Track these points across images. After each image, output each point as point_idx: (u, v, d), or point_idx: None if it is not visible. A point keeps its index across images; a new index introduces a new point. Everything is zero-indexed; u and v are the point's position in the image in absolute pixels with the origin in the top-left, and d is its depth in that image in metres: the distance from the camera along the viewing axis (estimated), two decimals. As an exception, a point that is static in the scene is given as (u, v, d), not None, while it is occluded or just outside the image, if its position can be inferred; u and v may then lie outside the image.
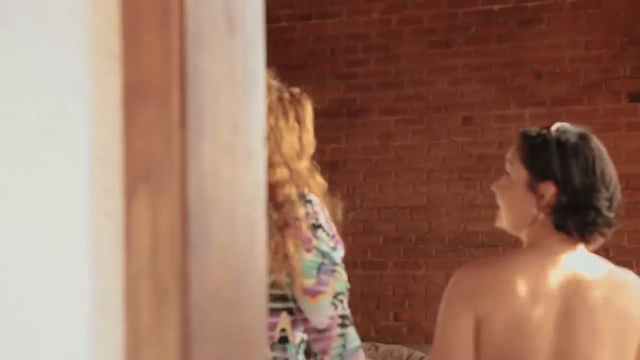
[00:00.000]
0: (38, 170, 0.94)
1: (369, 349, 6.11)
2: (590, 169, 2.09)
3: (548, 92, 6.03)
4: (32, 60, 0.94)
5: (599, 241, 2.11)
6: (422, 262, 6.21)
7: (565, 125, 2.18)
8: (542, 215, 2.08)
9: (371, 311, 6.32)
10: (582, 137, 2.16)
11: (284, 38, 6.52)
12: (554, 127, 2.14)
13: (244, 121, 0.99)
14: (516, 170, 2.20)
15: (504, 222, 2.20)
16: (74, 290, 0.94)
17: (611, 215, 2.13)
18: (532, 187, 2.10)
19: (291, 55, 6.52)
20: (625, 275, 2.11)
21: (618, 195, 2.19)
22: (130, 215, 0.92)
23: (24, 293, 0.93)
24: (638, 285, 2.09)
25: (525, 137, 2.20)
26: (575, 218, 2.06)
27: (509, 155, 2.27)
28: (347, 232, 6.36)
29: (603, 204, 2.09)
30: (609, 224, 2.12)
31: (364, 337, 6.35)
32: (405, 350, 6.00)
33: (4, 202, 0.93)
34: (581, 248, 2.10)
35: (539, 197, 2.08)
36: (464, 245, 6.01)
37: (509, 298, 1.96)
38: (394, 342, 6.23)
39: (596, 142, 2.18)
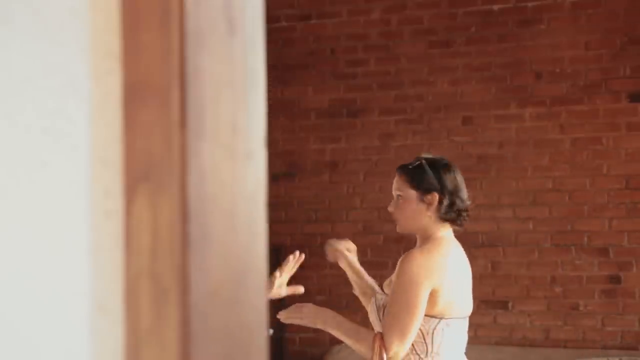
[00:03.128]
0: (38, 170, 0.94)
1: (369, 349, 6.11)
2: (452, 180, 3.12)
3: (548, 92, 6.03)
4: (32, 60, 0.94)
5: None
6: (422, 262, 6.21)
7: (429, 155, 3.22)
8: (433, 216, 3.10)
9: (371, 311, 6.33)
10: (441, 160, 3.17)
11: (284, 38, 6.52)
12: (422, 157, 3.17)
13: (244, 121, 0.99)
14: (406, 192, 3.13)
15: (404, 228, 3.20)
16: (74, 290, 0.94)
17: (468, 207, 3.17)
18: (422, 199, 3.10)
19: (291, 55, 6.52)
20: None
21: (466, 195, 3.18)
22: (130, 215, 0.92)
23: (24, 293, 0.93)
24: None
25: (404, 168, 3.17)
26: (453, 211, 3.11)
27: (395, 185, 3.18)
28: (347, 232, 6.38)
29: (465, 198, 3.14)
30: (467, 213, 3.17)
31: (364, 337, 6.35)
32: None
33: (4, 202, 0.93)
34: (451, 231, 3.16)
35: (428, 204, 3.10)
36: (464, 245, 5.99)
37: (446, 273, 3.01)
38: (394, 342, 6.23)
39: (446, 160, 3.20)
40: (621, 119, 5.90)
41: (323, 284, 6.42)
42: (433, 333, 3.02)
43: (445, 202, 3.07)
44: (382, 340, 3.03)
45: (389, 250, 6.32)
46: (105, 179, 0.94)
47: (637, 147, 5.86)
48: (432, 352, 3.03)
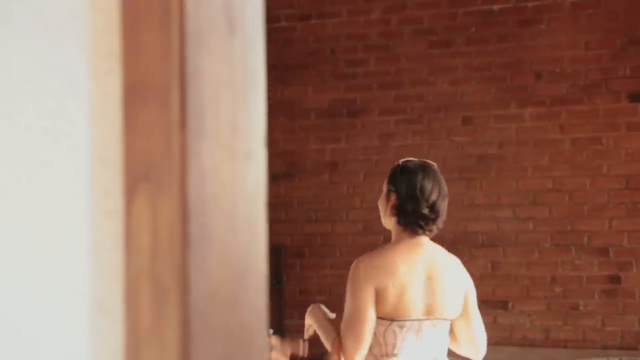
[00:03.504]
0: (38, 170, 0.94)
1: (369, 349, 6.12)
2: (411, 185, 3.16)
3: (548, 92, 6.03)
4: (32, 60, 0.94)
5: (432, 233, 3.21)
6: (422, 262, 6.21)
7: (413, 159, 3.29)
8: (391, 217, 3.25)
9: (371, 311, 6.33)
10: (419, 167, 3.22)
11: (284, 38, 6.53)
12: (402, 160, 3.29)
13: (244, 121, 0.99)
14: (384, 187, 3.29)
15: (383, 221, 3.35)
16: (74, 290, 0.94)
17: (432, 216, 3.15)
18: (387, 197, 3.25)
19: (291, 55, 6.52)
20: (451, 256, 3.26)
21: (439, 203, 3.16)
22: (130, 215, 0.92)
23: (24, 293, 0.93)
24: (458, 260, 3.26)
25: (392, 166, 3.31)
26: (403, 217, 3.19)
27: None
28: (347, 232, 6.38)
29: (423, 208, 3.14)
30: (431, 222, 3.16)
31: (364, 337, 6.36)
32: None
33: (4, 202, 0.93)
34: (424, 237, 3.20)
35: (388, 202, 3.24)
36: (464, 245, 6.01)
37: (392, 275, 3.09)
38: (394, 342, 6.24)
39: (430, 169, 3.22)
40: (621, 119, 5.90)
41: (323, 284, 6.42)
42: (385, 335, 3.11)
43: (399, 205, 3.18)
44: (340, 345, 3.18)
45: (389, 250, 6.32)
46: (105, 179, 0.94)
47: (637, 147, 5.86)
48: (386, 353, 3.13)
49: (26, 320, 0.93)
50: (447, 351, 3.24)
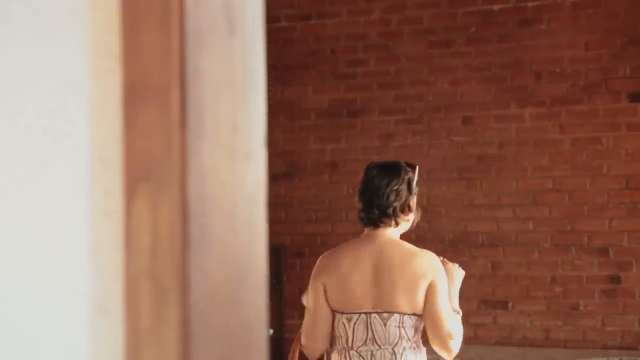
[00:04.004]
0: (38, 170, 0.94)
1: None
2: (364, 185, 3.32)
3: (548, 92, 6.02)
4: (32, 60, 0.94)
5: (383, 225, 3.28)
6: (422, 262, 6.21)
7: (380, 160, 3.54)
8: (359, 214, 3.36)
9: (371, 311, 6.33)
10: (379, 164, 3.40)
11: (284, 38, 6.53)
12: (377, 161, 3.48)
13: (244, 121, 0.99)
14: None
15: None
16: (74, 290, 0.94)
17: (384, 207, 3.26)
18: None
19: (291, 55, 6.52)
20: (420, 250, 3.28)
21: (392, 196, 3.28)
22: (130, 215, 0.92)
23: (24, 293, 0.93)
24: (427, 257, 3.25)
25: None
26: (362, 212, 3.32)
27: None
28: (347, 232, 6.38)
29: (375, 201, 3.27)
30: (383, 214, 3.27)
31: (364, 337, 6.36)
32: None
33: (4, 202, 0.93)
34: (385, 233, 3.30)
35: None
36: (464, 245, 6.01)
37: (337, 270, 3.26)
38: (394, 342, 6.24)
39: (390, 166, 3.36)
40: (621, 119, 5.90)
41: (323, 284, 6.42)
42: (337, 327, 3.29)
43: (359, 205, 3.36)
44: (298, 341, 3.46)
45: (389, 250, 6.32)
46: (105, 179, 0.94)
47: (637, 147, 5.86)
48: (344, 345, 3.29)
49: (26, 320, 0.93)
50: (413, 345, 3.26)
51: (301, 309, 6.49)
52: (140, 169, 0.92)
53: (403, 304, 3.21)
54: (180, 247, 0.89)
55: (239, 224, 0.98)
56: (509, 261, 6.02)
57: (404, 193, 3.30)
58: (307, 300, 3.39)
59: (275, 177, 6.42)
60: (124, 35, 0.92)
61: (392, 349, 3.21)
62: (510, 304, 6.02)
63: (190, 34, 0.91)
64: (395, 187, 3.28)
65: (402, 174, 3.32)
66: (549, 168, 6.00)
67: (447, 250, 6.13)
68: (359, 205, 3.32)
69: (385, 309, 3.21)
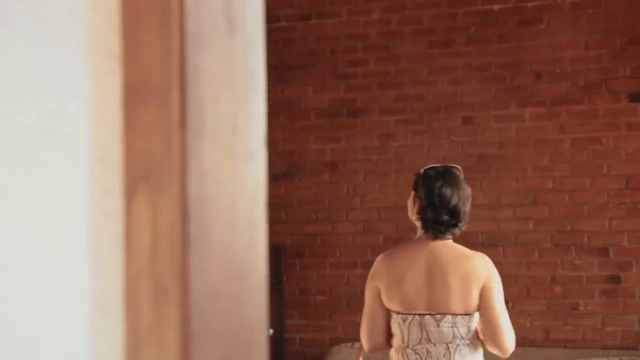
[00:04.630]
0: (38, 170, 0.94)
1: (369, 349, 6.11)
2: (432, 193, 3.40)
3: (548, 92, 6.03)
4: (32, 60, 0.94)
5: (449, 236, 3.44)
6: (422, 262, 6.21)
7: (436, 165, 3.54)
8: (416, 219, 3.46)
9: (371, 311, 6.33)
10: (442, 174, 3.45)
11: (284, 38, 6.52)
12: (426, 167, 3.52)
13: (244, 121, 0.99)
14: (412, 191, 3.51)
15: None
16: (74, 290, 0.94)
17: (452, 221, 3.40)
18: (414, 201, 3.46)
19: (291, 55, 6.52)
20: (473, 252, 3.44)
21: (462, 210, 3.42)
22: (130, 215, 0.92)
23: (24, 293, 0.93)
24: (480, 259, 3.41)
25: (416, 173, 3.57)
26: (426, 223, 3.42)
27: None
28: (347, 232, 6.38)
29: (443, 216, 3.38)
30: (452, 227, 3.42)
31: (364, 337, 6.36)
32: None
33: (4, 202, 0.93)
34: (441, 241, 3.43)
35: (413, 207, 3.46)
36: (464, 245, 6.00)
37: (392, 272, 3.37)
38: (394, 342, 6.24)
39: (451, 175, 3.46)
40: (621, 119, 5.90)
41: (323, 284, 6.42)
42: (394, 327, 3.43)
43: (422, 210, 3.43)
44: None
45: (389, 250, 6.32)
46: (105, 179, 0.94)
47: (637, 147, 5.86)
48: (400, 343, 3.41)
49: (26, 320, 0.93)
50: (467, 342, 3.36)
51: (301, 309, 6.50)
52: (140, 169, 0.92)
53: (456, 305, 3.33)
54: (180, 247, 0.89)
55: (239, 224, 0.98)
56: (509, 261, 6.02)
57: (468, 203, 3.45)
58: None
59: (275, 177, 6.42)
60: (124, 35, 0.93)
61: (447, 345, 3.33)
62: (510, 304, 6.02)
63: (190, 34, 0.91)
64: (461, 199, 3.40)
65: (463, 184, 3.46)
66: (549, 168, 6.00)
67: (447, 250, 6.14)
68: (427, 216, 3.40)
69: (438, 311, 3.33)
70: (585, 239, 5.94)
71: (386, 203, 6.33)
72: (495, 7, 6.12)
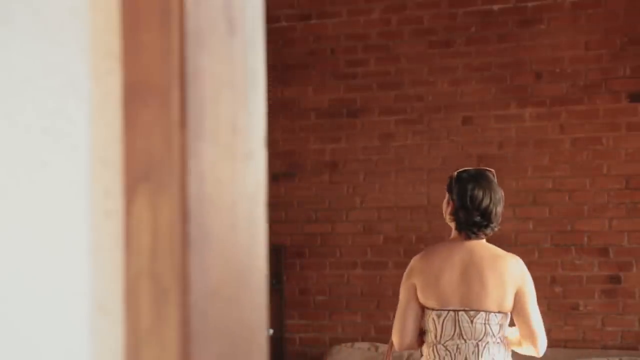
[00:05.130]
0: (38, 170, 0.94)
1: (368, 349, 6.11)
2: (464, 196, 3.54)
3: (548, 92, 6.03)
4: (32, 60, 0.94)
5: (482, 236, 3.58)
6: (422, 262, 6.21)
7: (469, 169, 3.70)
8: (450, 220, 3.60)
9: (371, 311, 6.33)
10: (474, 178, 3.59)
11: (284, 38, 6.53)
12: (459, 170, 3.68)
13: (244, 121, 0.99)
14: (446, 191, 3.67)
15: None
16: (74, 290, 0.94)
17: (484, 222, 3.55)
18: (448, 203, 3.62)
19: (291, 55, 6.52)
20: (507, 253, 3.58)
21: (493, 210, 3.56)
22: (130, 215, 0.92)
23: (24, 293, 0.93)
24: (515, 261, 3.55)
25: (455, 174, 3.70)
26: (459, 224, 3.57)
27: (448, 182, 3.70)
28: (347, 232, 6.38)
29: (475, 217, 3.53)
30: (484, 228, 3.56)
31: (364, 337, 6.35)
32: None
33: (4, 202, 0.93)
34: (475, 240, 3.57)
35: (447, 207, 3.61)
36: (464, 245, 6.01)
37: (429, 269, 3.52)
38: (394, 342, 6.24)
39: (483, 178, 3.60)
40: (621, 119, 5.90)
41: (323, 284, 6.42)
42: (428, 323, 3.55)
43: (455, 212, 3.57)
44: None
45: (388, 250, 6.32)
46: (105, 179, 0.94)
47: (637, 147, 5.86)
48: (433, 339, 3.54)
49: (26, 320, 0.93)
50: (498, 340, 3.52)
51: (301, 309, 6.50)
52: (140, 169, 0.92)
53: (490, 303, 3.47)
54: (180, 247, 0.89)
55: (239, 224, 0.98)
56: (509, 261, 6.01)
57: (500, 205, 3.59)
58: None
59: (275, 177, 6.42)
60: (124, 35, 0.93)
61: (477, 342, 3.48)
62: (510, 304, 6.02)
63: (190, 34, 0.91)
64: (492, 201, 3.55)
65: (495, 186, 3.60)
66: (549, 168, 6.00)
67: (447, 250, 6.14)
68: (459, 218, 3.55)
69: (472, 307, 3.47)
70: (585, 239, 5.94)
71: (386, 203, 6.33)
72: (495, 7, 6.12)
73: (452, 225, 3.59)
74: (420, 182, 6.28)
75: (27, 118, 0.94)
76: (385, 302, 6.30)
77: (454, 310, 3.48)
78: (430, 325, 3.53)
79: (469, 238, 3.55)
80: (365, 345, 6.15)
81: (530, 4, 6.06)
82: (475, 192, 3.53)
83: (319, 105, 6.49)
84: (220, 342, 0.94)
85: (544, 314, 6.05)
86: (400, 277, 6.40)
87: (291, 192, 6.49)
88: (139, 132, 0.92)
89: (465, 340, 3.48)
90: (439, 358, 3.51)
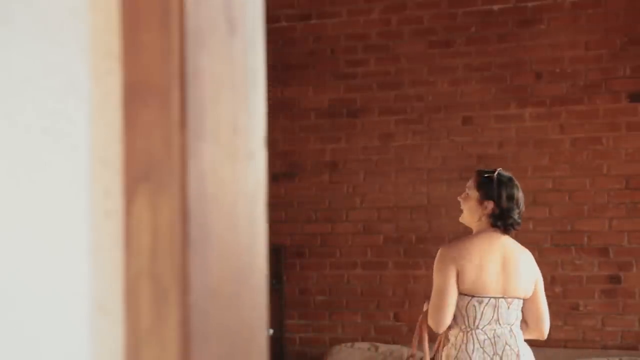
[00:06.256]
0: (38, 170, 0.94)
1: (369, 349, 6.11)
2: (510, 197, 3.86)
3: (548, 92, 6.02)
4: (32, 60, 0.94)
5: (514, 232, 3.93)
6: (422, 262, 6.21)
7: (501, 171, 3.97)
8: (484, 218, 3.88)
9: (371, 311, 6.33)
10: (509, 179, 3.91)
11: (284, 38, 6.52)
12: (500, 171, 3.95)
13: (244, 121, 0.99)
14: (472, 192, 3.92)
15: (464, 219, 4.01)
16: (74, 290, 0.94)
17: (519, 220, 3.92)
18: (480, 203, 3.89)
19: (291, 55, 6.52)
20: (526, 249, 3.99)
21: (523, 209, 3.94)
22: (130, 215, 0.92)
23: (24, 293, 0.93)
24: (531, 254, 4.00)
25: (480, 173, 3.97)
26: (502, 221, 3.87)
27: (468, 183, 3.98)
28: (347, 232, 6.38)
29: (515, 215, 3.87)
30: (518, 225, 3.92)
31: (364, 337, 6.35)
32: (405, 350, 6.00)
33: (4, 202, 0.93)
34: (505, 235, 3.91)
35: (484, 208, 3.89)
36: (464, 245, 6.00)
37: (471, 259, 3.79)
38: (394, 342, 6.23)
39: (515, 181, 3.94)
40: (621, 119, 5.90)
41: (323, 284, 6.42)
42: (467, 308, 3.79)
43: (497, 212, 3.84)
44: (425, 317, 3.88)
45: (389, 250, 6.32)
46: (105, 179, 0.94)
47: (637, 147, 5.86)
48: (469, 324, 3.79)
49: (26, 320, 0.93)
50: (519, 324, 3.89)
51: (301, 309, 6.50)
52: (140, 169, 0.92)
53: (521, 291, 3.84)
54: (180, 247, 0.89)
55: (239, 224, 0.98)
56: (509, 261, 6.01)
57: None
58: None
59: (275, 177, 6.42)
60: (124, 35, 0.92)
61: (510, 327, 3.84)
62: (510, 304, 6.02)
63: (190, 34, 0.91)
64: (522, 201, 3.93)
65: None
66: (549, 168, 6.00)
67: (447, 250, 6.13)
68: (502, 216, 3.85)
69: (510, 295, 3.82)
70: (585, 239, 5.94)
71: (386, 203, 6.33)
72: (495, 7, 6.12)
73: (484, 222, 3.87)
74: (420, 182, 6.28)
75: (27, 118, 0.94)
76: (385, 302, 6.31)
77: (495, 298, 3.79)
78: (470, 311, 3.79)
79: (505, 234, 3.88)
80: (365, 345, 6.15)
81: (530, 4, 6.06)
82: (518, 193, 3.90)
83: (319, 105, 6.49)
84: (220, 342, 0.94)
85: (544, 314, 6.07)
86: (400, 277, 6.43)
87: (291, 192, 6.49)
88: (139, 132, 0.92)
89: (500, 325, 3.81)
90: (478, 342, 3.79)
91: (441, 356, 3.85)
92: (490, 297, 3.81)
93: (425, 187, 6.27)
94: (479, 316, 3.80)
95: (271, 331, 6.20)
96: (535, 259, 6.05)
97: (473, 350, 3.80)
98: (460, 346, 3.81)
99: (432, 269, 3.89)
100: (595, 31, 5.94)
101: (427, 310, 3.85)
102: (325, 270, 6.42)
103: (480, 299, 3.79)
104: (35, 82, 0.94)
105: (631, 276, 5.86)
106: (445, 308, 3.78)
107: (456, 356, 3.81)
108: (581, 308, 5.94)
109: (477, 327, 3.80)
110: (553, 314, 6.07)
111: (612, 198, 5.90)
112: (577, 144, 5.96)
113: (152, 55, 0.91)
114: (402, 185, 6.31)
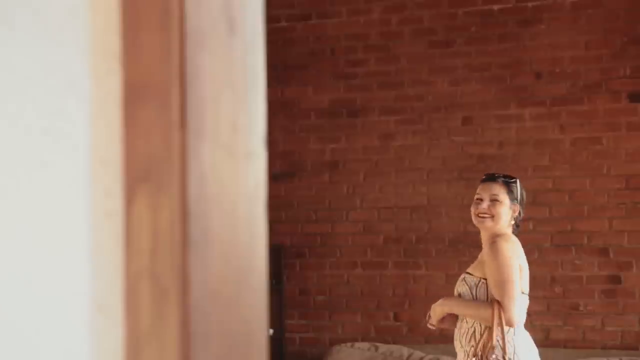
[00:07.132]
0: (38, 170, 0.94)
1: (368, 349, 6.11)
2: (524, 199, 4.02)
3: (548, 92, 6.02)
4: (32, 60, 0.94)
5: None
6: (422, 262, 6.21)
7: (511, 176, 4.09)
8: (509, 222, 3.98)
9: (371, 311, 6.33)
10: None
11: (284, 38, 6.52)
12: (514, 177, 4.07)
13: (244, 121, 0.99)
14: (503, 198, 3.98)
15: (494, 225, 3.97)
16: (74, 290, 0.94)
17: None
18: (510, 207, 3.97)
19: (291, 55, 6.52)
20: None
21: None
22: (130, 215, 0.92)
23: (24, 293, 0.93)
24: None
25: (503, 179, 4.03)
26: (518, 221, 4.00)
27: (491, 189, 4.01)
28: (347, 232, 6.38)
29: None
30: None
31: (364, 337, 6.35)
32: (405, 350, 6.00)
33: (4, 202, 0.93)
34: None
35: (512, 212, 3.97)
36: (464, 245, 6.01)
37: (524, 259, 3.93)
38: (394, 342, 6.23)
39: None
40: (621, 119, 5.90)
41: (323, 284, 6.42)
42: (524, 306, 3.93)
43: (517, 213, 3.98)
44: (500, 305, 3.79)
45: (389, 250, 6.32)
46: (105, 179, 0.94)
47: (637, 147, 5.86)
48: (524, 322, 3.93)
49: (26, 320, 0.93)
50: None
51: (301, 309, 6.50)
52: (140, 169, 0.92)
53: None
54: (180, 247, 0.89)
55: (239, 223, 0.98)
56: (509, 261, 6.01)
57: None
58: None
59: (275, 177, 6.42)
60: (124, 36, 0.93)
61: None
62: (510, 304, 6.01)
63: (190, 34, 0.91)
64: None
65: None
66: (549, 168, 6.00)
67: (447, 250, 6.13)
68: (521, 220, 4.04)
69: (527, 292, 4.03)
70: (585, 239, 5.94)
71: (386, 203, 6.33)
72: (495, 7, 6.12)
73: (508, 225, 3.95)
74: (420, 182, 6.28)
75: (27, 118, 0.94)
76: (385, 302, 6.30)
77: (527, 295, 3.98)
78: (524, 309, 3.93)
79: (516, 236, 4.01)
80: (365, 345, 6.15)
81: (530, 4, 6.06)
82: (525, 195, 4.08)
83: (319, 105, 6.49)
84: (220, 342, 0.94)
85: (544, 314, 6.08)
86: (400, 277, 6.42)
87: (291, 192, 6.49)
88: (139, 132, 0.92)
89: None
90: (529, 338, 3.94)
91: (513, 352, 3.84)
92: (528, 295, 4.00)
93: (425, 187, 6.27)
94: (523, 312, 3.97)
95: (271, 331, 6.21)
96: (535, 259, 6.09)
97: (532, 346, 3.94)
98: (529, 340, 3.94)
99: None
100: (595, 31, 5.94)
101: (499, 308, 3.83)
102: (325, 270, 6.42)
103: (524, 296, 3.95)
104: (35, 82, 0.94)
105: (631, 276, 5.86)
106: (518, 299, 3.86)
107: (530, 349, 3.90)
108: (581, 308, 5.94)
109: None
110: (553, 314, 6.09)
111: (612, 198, 5.90)
112: (577, 144, 5.96)
113: (152, 56, 0.91)
114: (402, 186, 6.31)
